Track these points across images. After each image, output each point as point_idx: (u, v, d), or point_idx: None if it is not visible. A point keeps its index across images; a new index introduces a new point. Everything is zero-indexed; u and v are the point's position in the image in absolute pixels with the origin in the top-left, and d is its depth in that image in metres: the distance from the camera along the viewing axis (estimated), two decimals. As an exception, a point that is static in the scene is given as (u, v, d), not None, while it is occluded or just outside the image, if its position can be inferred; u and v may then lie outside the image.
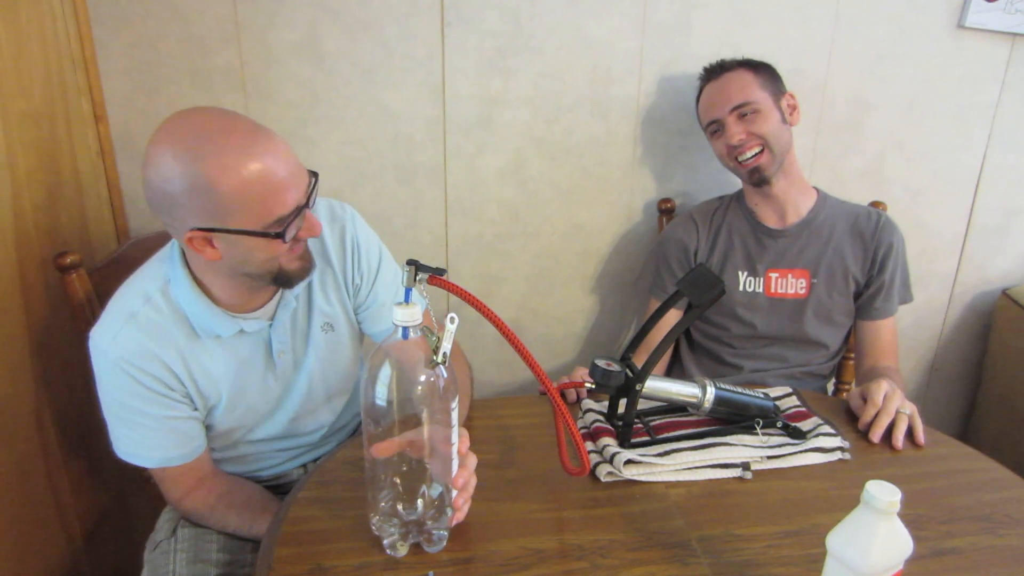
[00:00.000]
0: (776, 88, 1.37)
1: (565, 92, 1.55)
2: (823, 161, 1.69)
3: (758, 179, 1.36)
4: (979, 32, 1.62)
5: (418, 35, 1.46)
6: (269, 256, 0.91)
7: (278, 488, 1.19)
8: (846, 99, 1.65)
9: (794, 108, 1.39)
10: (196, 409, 1.02)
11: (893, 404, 1.10)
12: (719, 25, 1.54)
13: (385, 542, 0.83)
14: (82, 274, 1.19)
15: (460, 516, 0.86)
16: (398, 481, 0.83)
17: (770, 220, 1.43)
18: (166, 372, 0.96)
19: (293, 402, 1.10)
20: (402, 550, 0.82)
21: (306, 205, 0.90)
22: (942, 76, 1.65)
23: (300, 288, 1.05)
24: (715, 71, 1.39)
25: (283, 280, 0.96)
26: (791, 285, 1.40)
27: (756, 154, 1.35)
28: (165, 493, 1.05)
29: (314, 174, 0.93)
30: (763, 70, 1.37)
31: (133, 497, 1.48)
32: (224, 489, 1.06)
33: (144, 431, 0.98)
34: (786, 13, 1.56)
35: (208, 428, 1.06)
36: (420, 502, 0.82)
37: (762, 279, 1.41)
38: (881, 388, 1.12)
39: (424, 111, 1.52)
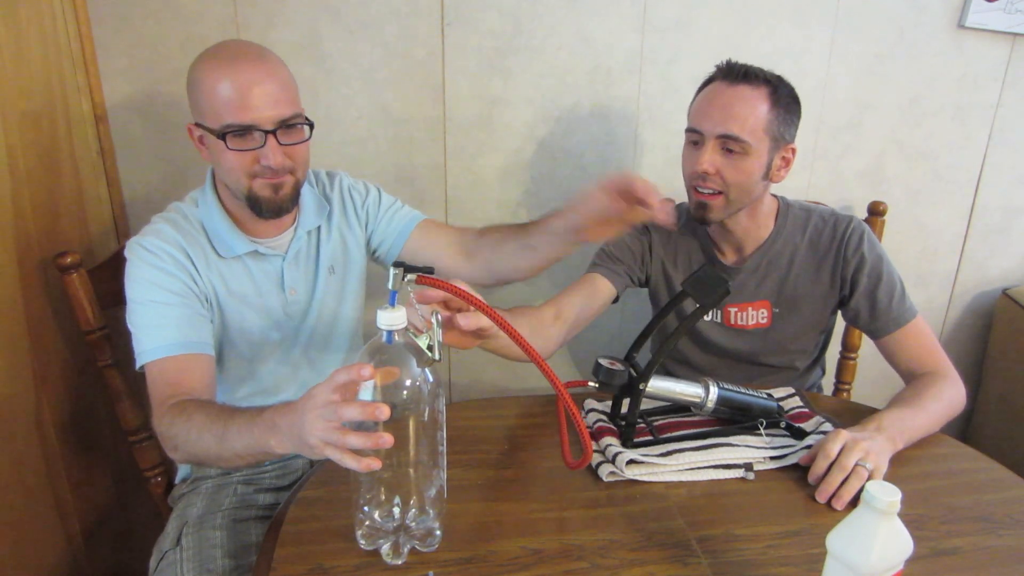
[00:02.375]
0: (782, 135, 1.17)
1: (565, 92, 1.55)
2: (823, 161, 1.69)
3: (700, 216, 1.21)
4: (979, 32, 1.62)
5: (418, 35, 1.46)
6: (230, 167, 1.03)
7: (281, 488, 1.19)
8: (846, 99, 1.65)
9: (787, 164, 1.21)
10: (210, 311, 1.11)
11: (850, 458, 0.95)
12: (719, 25, 1.54)
13: (381, 553, 0.82)
14: (82, 274, 1.19)
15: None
16: (383, 488, 0.82)
17: (728, 254, 1.31)
18: (190, 265, 1.08)
19: (303, 338, 1.21)
20: (399, 558, 0.82)
21: (271, 132, 1.01)
22: (942, 76, 1.65)
23: (310, 224, 1.18)
24: (736, 75, 1.16)
25: (255, 205, 1.07)
26: (751, 317, 1.32)
27: (711, 193, 1.18)
28: (153, 399, 1.02)
29: (309, 123, 1.06)
30: (784, 105, 1.17)
31: (133, 497, 1.48)
32: (201, 401, 1.02)
33: (160, 311, 1.04)
34: (786, 13, 1.56)
35: (223, 353, 1.15)
36: (397, 510, 0.82)
37: (721, 311, 1.33)
38: (839, 438, 0.97)
39: (424, 111, 1.52)
